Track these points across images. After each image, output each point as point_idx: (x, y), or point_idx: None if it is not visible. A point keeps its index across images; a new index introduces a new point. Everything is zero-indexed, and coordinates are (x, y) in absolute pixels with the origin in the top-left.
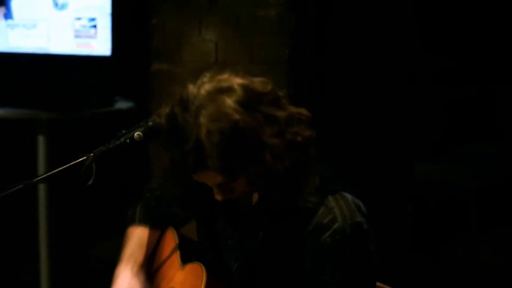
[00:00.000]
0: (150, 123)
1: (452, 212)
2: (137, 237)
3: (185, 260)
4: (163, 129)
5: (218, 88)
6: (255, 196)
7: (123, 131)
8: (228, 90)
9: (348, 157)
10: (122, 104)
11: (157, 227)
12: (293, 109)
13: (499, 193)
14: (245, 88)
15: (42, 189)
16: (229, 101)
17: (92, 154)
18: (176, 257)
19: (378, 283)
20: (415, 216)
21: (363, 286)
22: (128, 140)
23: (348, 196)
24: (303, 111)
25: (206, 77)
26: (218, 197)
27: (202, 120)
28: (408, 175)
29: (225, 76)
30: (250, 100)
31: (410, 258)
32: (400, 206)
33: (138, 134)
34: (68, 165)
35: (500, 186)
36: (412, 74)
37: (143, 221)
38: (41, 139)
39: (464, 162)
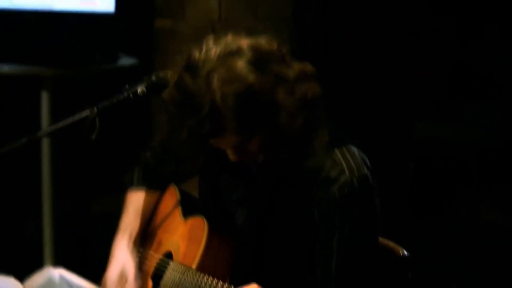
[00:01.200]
0: (154, 78)
1: (453, 171)
2: (135, 203)
3: (186, 214)
4: (167, 85)
5: (227, 51)
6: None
7: (127, 86)
8: (238, 52)
9: (351, 113)
10: (126, 61)
11: (156, 188)
12: (298, 65)
13: (501, 151)
14: (253, 48)
15: (45, 144)
16: (241, 63)
17: (96, 109)
18: (178, 211)
19: (381, 239)
20: (417, 174)
21: (369, 237)
22: (131, 95)
23: (355, 149)
24: (308, 66)
25: (210, 41)
26: (232, 158)
27: (216, 84)
28: (410, 133)
29: (229, 38)
30: (260, 60)
31: (412, 215)
32: (402, 163)
33: (141, 89)
34: (72, 119)
35: (501, 145)
36: (415, 32)
37: (141, 184)
38: (44, 96)
39: (465, 121)
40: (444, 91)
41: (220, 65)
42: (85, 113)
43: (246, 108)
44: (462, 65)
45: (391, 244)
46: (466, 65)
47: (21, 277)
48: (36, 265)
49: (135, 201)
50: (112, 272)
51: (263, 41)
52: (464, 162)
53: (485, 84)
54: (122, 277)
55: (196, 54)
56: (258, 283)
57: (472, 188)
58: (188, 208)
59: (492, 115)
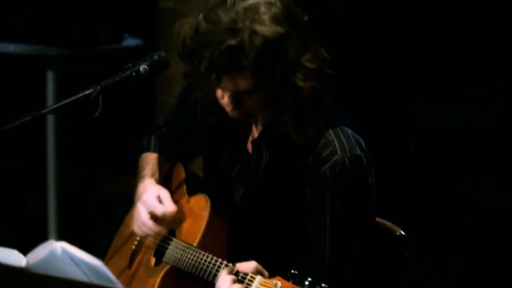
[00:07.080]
0: (156, 57)
1: (455, 152)
2: (155, 160)
3: (191, 193)
4: (169, 64)
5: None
6: (259, 127)
7: (129, 64)
8: (273, 4)
9: (353, 95)
10: (131, 41)
11: (168, 160)
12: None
13: (502, 133)
14: (287, 7)
15: (50, 123)
16: (274, 12)
17: (98, 87)
18: (183, 190)
19: (378, 219)
20: (419, 156)
21: (360, 218)
22: (134, 73)
23: (348, 130)
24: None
25: None
26: (230, 112)
27: (247, 22)
28: (410, 114)
29: None
30: (292, 18)
31: (413, 196)
32: (402, 144)
33: (143, 68)
34: (76, 96)
35: (502, 127)
36: (418, 13)
37: (158, 151)
38: (50, 75)
39: (466, 103)
40: (446, 73)
41: (255, 7)
42: (89, 90)
43: (269, 53)
44: (465, 47)
45: (388, 224)
46: (469, 47)
47: (25, 254)
48: (40, 242)
49: (155, 158)
50: (149, 196)
51: (297, 9)
52: (465, 143)
53: (487, 66)
54: (159, 200)
55: None
56: (253, 258)
57: (473, 170)
58: (193, 186)
59: (494, 97)
